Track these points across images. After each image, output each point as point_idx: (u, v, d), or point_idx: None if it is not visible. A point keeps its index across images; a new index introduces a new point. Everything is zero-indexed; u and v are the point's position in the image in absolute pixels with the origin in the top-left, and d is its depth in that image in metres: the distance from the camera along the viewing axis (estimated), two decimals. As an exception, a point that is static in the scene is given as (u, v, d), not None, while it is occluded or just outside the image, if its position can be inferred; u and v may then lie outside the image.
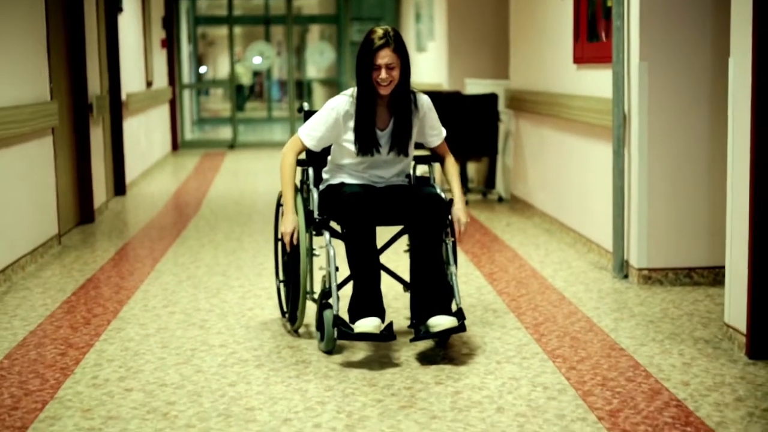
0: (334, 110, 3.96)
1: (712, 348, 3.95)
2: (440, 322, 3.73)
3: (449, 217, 3.93)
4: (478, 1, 10.27)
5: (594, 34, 5.77)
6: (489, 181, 8.85)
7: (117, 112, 8.93)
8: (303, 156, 4.16)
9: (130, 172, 9.53)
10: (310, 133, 3.99)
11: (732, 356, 3.84)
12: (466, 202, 8.16)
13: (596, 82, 5.72)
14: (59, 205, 6.57)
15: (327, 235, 3.95)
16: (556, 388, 3.46)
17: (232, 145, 14.74)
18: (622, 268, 5.26)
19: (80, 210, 7.40)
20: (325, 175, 4.17)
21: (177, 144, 14.04)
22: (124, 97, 9.25)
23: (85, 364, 3.81)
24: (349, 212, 3.80)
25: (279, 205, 4.33)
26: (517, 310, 4.57)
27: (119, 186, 9.06)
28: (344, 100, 3.97)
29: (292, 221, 3.94)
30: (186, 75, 16.47)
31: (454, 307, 3.87)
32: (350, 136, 3.97)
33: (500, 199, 8.34)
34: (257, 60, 18.22)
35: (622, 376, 3.59)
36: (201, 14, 20.13)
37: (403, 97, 3.94)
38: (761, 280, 3.78)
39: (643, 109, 5.01)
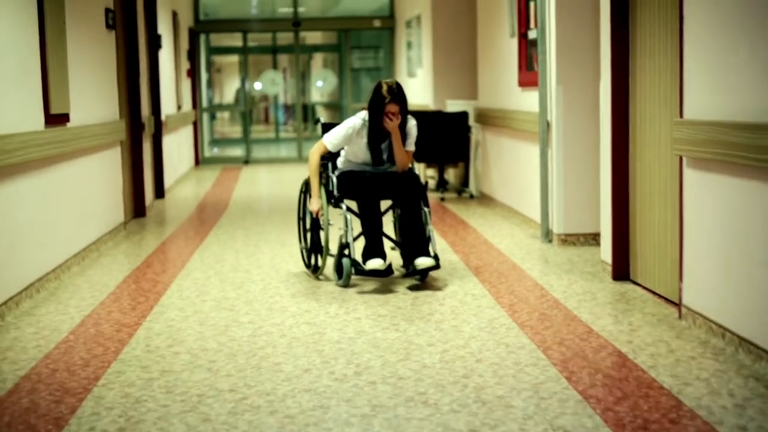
0: (351, 128, 5.85)
1: (591, 276, 5.88)
2: (423, 262, 5.60)
3: (424, 187, 5.82)
4: (457, 35, 12.20)
5: (531, 65, 7.72)
6: (464, 183, 10.79)
7: (158, 130, 10.88)
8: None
9: (167, 180, 11.47)
10: (332, 141, 5.87)
11: (602, 279, 5.76)
12: (442, 199, 10.10)
13: (532, 100, 7.65)
14: (125, 201, 8.51)
15: (344, 206, 5.84)
16: (486, 301, 5.37)
17: (246, 161, 16.69)
18: (548, 235, 7.18)
19: (135, 206, 9.33)
20: (339, 165, 6.06)
21: (198, 160, 16.00)
22: (163, 118, 11.20)
23: (151, 318, 5.72)
24: (363, 190, 5.71)
25: (302, 192, 6.25)
26: (470, 265, 6.47)
27: (159, 191, 10.99)
28: (358, 122, 5.85)
29: (317, 203, 5.84)
30: (204, 100, 18.42)
31: (431, 253, 5.74)
32: (360, 144, 5.83)
33: (471, 196, 10.27)
34: (258, 86, 20.10)
35: (531, 294, 5.51)
36: (214, 45, 22.09)
37: (401, 127, 5.80)
38: (618, 231, 5.69)
39: (560, 119, 6.95)
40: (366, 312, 5.06)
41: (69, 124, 6.55)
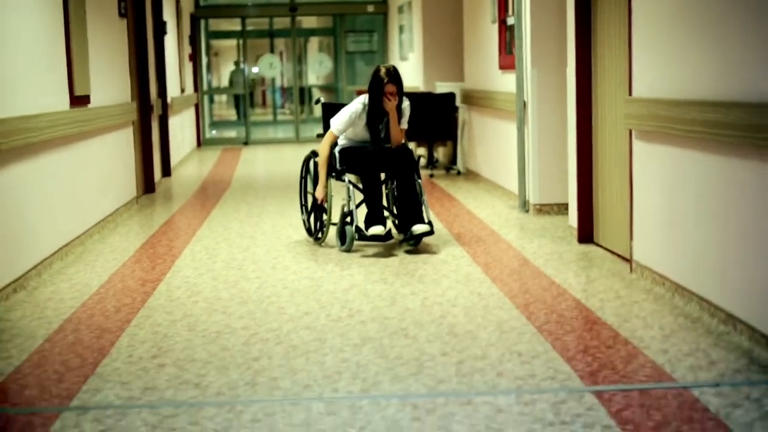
0: (354, 113, 6.50)
1: (560, 239, 6.58)
2: (419, 228, 6.27)
3: (417, 161, 6.48)
4: (445, 21, 12.86)
5: (509, 49, 8.40)
6: (453, 160, 11.48)
7: (164, 112, 11.55)
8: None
9: (173, 160, 12.15)
10: (338, 127, 6.51)
11: (570, 242, 6.46)
12: (431, 175, 10.79)
13: (512, 81, 8.33)
14: (137, 177, 9.21)
15: (347, 177, 6.49)
16: (464, 261, 6.08)
17: (246, 142, 17.37)
18: (525, 205, 7.89)
19: (145, 183, 10.02)
20: (341, 141, 6.71)
21: (200, 141, 16.68)
22: (168, 100, 11.87)
23: (170, 275, 6.43)
24: (364, 164, 6.38)
25: (304, 167, 6.91)
26: (453, 232, 7.17)
27: (166, 169, 11.67)
28: (359, 106, 6.50)
29: (323, 191, 6.50)
30: (205, 83, 19.07)
31: (426, 220, 6.40)
32: (360, 125, 6.48)
33: (459, 173, 10.96)
34: (256, 69, 20.73)
35: (504, 255, 6.21)
36: (212, 30, 22.71)
37: (397, 107, 6.47)
38: (582, 199, 6.39)
39: (535, 99, 7.64)
40: (359, 269, 5.76)
41: (90, 105, 7.23)
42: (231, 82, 23.65)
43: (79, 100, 6.88)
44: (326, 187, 6.52)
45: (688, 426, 3.08)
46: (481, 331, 4.30)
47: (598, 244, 6.33)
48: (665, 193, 4.89)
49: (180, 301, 5.07)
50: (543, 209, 7.71)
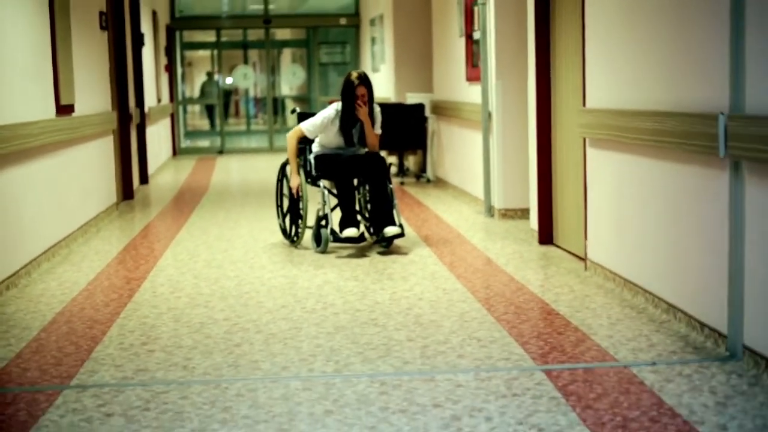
0: (326, 118, 6.88)
1: (522, 240, 6.98)
2: (390, 231, 6.63)
3: (388, 168, 6.86)
4: (416, 34, 13.26)
5: (476, 61, 8.81)
6: (423, 169, 11.88)
7: (142, 121, 11.87)
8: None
9: (150, 168, 12.46)
10: (309, 129, 6.89)
11: (531, 243, 6.87)
12: (402, 182, 11.16)
13: (477, 93, 8.74)
14: (116, 183, 9.53)
15: (323, 183, 6.86)
16: (431, 260, 6.46)
17: (221, 151, 17.69)
18: (490, 210, 8.29)
19: (124, 189, 10.33)
20: (315, 149, 7.07)
21: (176, 150, 16.99)
22: (146, 110, 12.19)
23: (153, 274, 6.77)
24: (338, 170, 6.73)
25: (281, 172, 7.27)
26: (421, 235, 7.55)
27: (143, 177, 11.98)
28: (332, 112, 6.87)
29: (297, 179, 6.88)
30: (180, 93, 19.38)
31: (397, 223, 6.76)
32: (333, 130, 6.85)
33: (428, 181, 11.36)
34: (229, 80, 21.09)
35: (469, 255, 6.60)
36: (186, 41, 23.02)
37: (369, 114, 6.85)
38: (542, 202, 6.80)
39: (499, 110, 8.05)
40: (332, 268, 6.13)
41: (74, 114, 7.56)
42: (203, 92, 23.95)
43: (64, 109, 7.21)
44: (299, 174, 6.88)
45: (624, 397, 3.47)
46: (444, 321, 4.68)
47: (557, 245, 6.73)
48: (615, 196, 5.30)
49: (164, 296, 5.42)
50: (507, 213, 8.11)
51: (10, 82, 5.86)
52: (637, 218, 4.97)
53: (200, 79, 34.67)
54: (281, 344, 4.32)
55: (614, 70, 5.21)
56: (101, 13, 9.05)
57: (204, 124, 27.87)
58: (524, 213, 8.05)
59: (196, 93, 34.63)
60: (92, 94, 8.43)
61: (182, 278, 5.93)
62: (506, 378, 3.73)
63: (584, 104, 5.74)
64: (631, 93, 4.96)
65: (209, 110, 26.21)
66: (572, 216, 6.34)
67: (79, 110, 7.74)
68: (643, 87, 4.79)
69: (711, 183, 4.08)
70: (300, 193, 6.88)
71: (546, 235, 6.83)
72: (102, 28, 9.06)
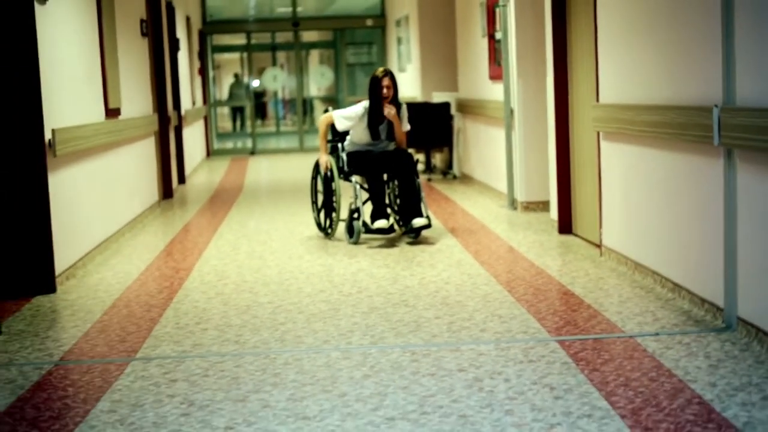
0: (355, 113, 7.33)
1: (543, 230, 7.42)
2: (418, 222, 7.10)
3: (416, 163, 7.31)
4: (441, 34, 13.70)
5: (498, 60, 9.25)
6: (449, 165, 12.32)
7: (179, 123, 12.39)
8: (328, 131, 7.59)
9: (186, 168, 12.98)
10: (340, 119, 7.37)
11: (551, 233, 7.30)
12: (429, 179, 11.60)
13: (500, 91, 9.17)
14: (158, 183, 10.04)
15: (354, 178, 7.33)
16: (457, 249, 6.91)
17: (252, 152, 18.21)
18: (513, 203, 8.72)
19: (164, 189, 10.85)
20: (347, 146, 7.54)
21: (209, 151, 17.53)
22: (182, 112, 12.71)
23: (199, 264, 7.26)
24: (370, 166, 7.20)
25: (314, 169, 7.74)
26: (447, 227, 8.00)
27: (181, 177, 12.51)
28: (360, 110, 7.35)
29: (325, 158, 7.37)
30: (212, 96, 19.93)
31: (424, 214, 7.22)
32: (362, 126, 7.33)
33: (455, 177, 11.80)
34: (256, 83, 21.59)
35: (492, 244, 7.04)
36: (215, 44, 23.56)
37: (395, 105, 7.33)
38: (562, 194, 7.22)
39: (520, 107, 8.48)
40: (365, 257, 6.59)
41: (120, 117, 8.07)
42: (231, 94, 24.51)
43: (112, 113, 7.72)
44: (327, 152, 7.45)
45: (628, 361, 3.91)
46: (468, 301, 5.13)
47: (575, 234, 7.16)
48: (624, 185, 5.72)
49: (212, 283, 5.90)
50: (529, 206, 8.54)
51: (67, 88, 6.37)
52: (644, 205, 5.39)
53: (228, 81, 35.36)
54: (321, 322, 4.79)
55: (622, 68, 5.64)
56: (142, 21, 9.56)
57: (230, 126, 28.41)
58: (545, 205, 8.47)
59: (224, 95, 35.33)
60: (136, 98, 8.94)
61: (226, 268, 6.41)
62: (524, 347, 4.18)
63: (597, 100, 6.16)
64: (637, 89, 5.39)
65: (234, 112, 26.78)
66: (589, 206, 6.76)
67: (124, 113, 8.24)
68: (647, 83, 5.22)
69: (707, 170, 4.50)
70: (330, 172, 7.34)
71: (565, 225, 7.26)
72: (143, 34, 9.57)
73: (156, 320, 4.99)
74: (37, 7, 5.72)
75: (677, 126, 4.71)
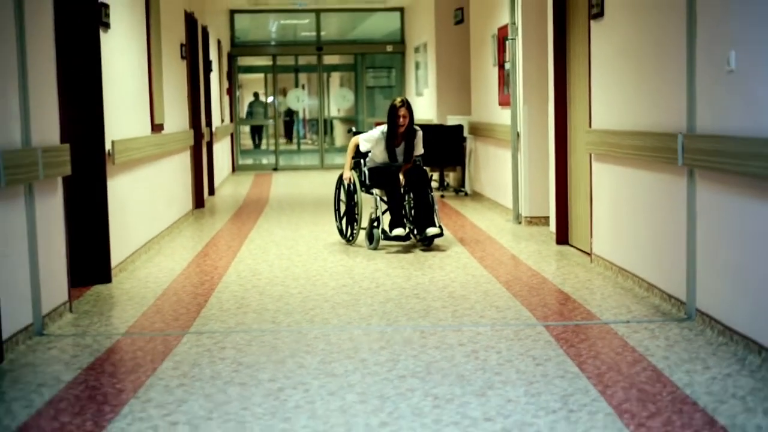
0: (374, 137, 8.19)
1: (542, 241, 8.23)
2: (431, 231, 7.91)
3: (430, 179, 8.16)
4: (456, 62, 14.56)
5: (506, 88, 10.08)
6: (462, 184, 13.15)
7: (211, 139, 13.27)
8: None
9: (216, 181, 13.85)
10: (364, 143, 8.22)
11: (549, 244, 8.10)
12: (442, 196, 12.40)
13: (508, 116, 10.00)
14: (191, 193, 10.91)
15: (375, 191, 8.18)
16: (464, 256, 7.72)
17: (275, 168, 19.10)
18: (518, 217, 9.54)
19: (197, 199, 11.71)
20: (369, 163, 8.38)
21: (234, 167, 18.42)
22: (213, 129, 13.60)
23: (235, 263, 8.10)
24: (389, 180, 8.04)
25: (338, 182, 8.59)
26: (457, 237, 8.82)
27: (211, 189, 13.37)
28: (378, 134, 8.21)
29: (348, 173, 8.22)
30: (238, 114, 20.84)
31: (437, 224, 8.04)
32: (380, 148, 8.19)
33: (466, 194, 12.63)
34: (270, 99, 22.54)
35: (496, 252, 7.86)
36: (240, 65, 24.51)
37: (410, 131, 8.17)
38: (559, 209, 8.04)
39: (526, 130, 9.30)
40: (383, 261, 7.41)
41: (163, 132, 8.94)
42: (250, 113, 25.45)
43: (157, 127, 8.59)
44: (351, 170, 8.32)
45: (600, 341, 4.71)
46: (471, 295, 5.94)
47: (571, 245, 7.96)
48: (612, 200, 6.53)
49: (247, 278, 6.73)
50: (533, 221, 9.35)
51: (122, 105, 7.24)
52: (627, 217, 6.20)
53: (249, 99, 36.35)
54: (344, 309, 5.61)
55: (610, 98, 6.46)
56: (182, 45, 10.45)
57: (249, 144, 29.36)
58: (546, 220, 9.27)
59: (243, 114, 36.32)
60: (175, 115, 9.82)
61: (259, 266, 7.24)
62: (515, 329, 4.99)
63: (590, 125, 6.99)
64: (622, 117, 6.21)
65: (253, 130, 27.83)
66: (582, 219, 7.57)
67: (167, 128, 9.11)
68: (631, 112, 6.04)
69: (674, 186, 5.31)
70: (352, 185, 8.19)
71: (562, 236, 8.07)
72: (182, 57, 10.46)
73: (202, 305, 5.82)
74: (101, 33, 6.60)
75: (652, 149, 5.53)
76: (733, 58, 4.51)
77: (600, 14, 6.68)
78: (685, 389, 3.91)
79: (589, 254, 7.27)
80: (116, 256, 6.88)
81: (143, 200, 8.00)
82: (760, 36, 4.26)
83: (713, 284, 4.86)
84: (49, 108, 5.38)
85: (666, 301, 5.51)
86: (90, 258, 6.58)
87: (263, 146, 27.34)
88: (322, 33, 19.41)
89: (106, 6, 6.75)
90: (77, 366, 4.47)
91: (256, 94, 25.97)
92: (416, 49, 17.16)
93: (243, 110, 33.54)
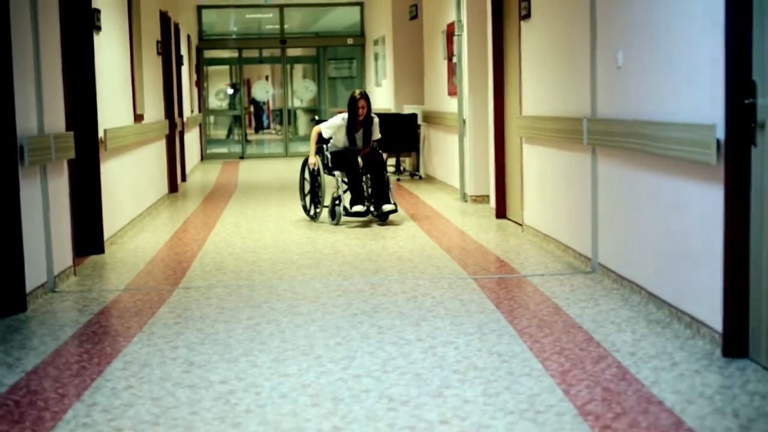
0: (336, 124, 9.20)
1: (484, 216, 9.29)
2: (387, 207, 8.95)
3: (385, 161, 9.18)
4: (412, 54, 15.58)
5: (455, 79, 11.13)
6: (416, 168, 14.19)
7: (182, 129, 14.21)
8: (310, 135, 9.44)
9: (187, 168, 14.79)
10: (326, 130, 9.23)
11: (490, 218, 9.16)
12: (398, 179, 13.43)
13: (455, 104, 11.05)
14: (167, 179, 11.87)
15: (336, 173, 9.18)
16: (414, 229, 8.77)
17: (242, 156, 20.04)
18: (464, 196, 10.61)
19: (171, 184, 12.66)
20: (331, 147, 9.39)
21: (203, 155, 19.35)
22: (185, 119, 14.53)
23: (211, 236, 9.10)
24: (349, 162, 9.05)
25: (303, 164, 9.59)
26: (409, 214, 9.86)
27: (182, 175, 14.31)
28: (339, 120, 9.22)
29: (314, 159, 9.22)
30: (206, 105, 21.75)
31: (392, 201, 9.06)
32: (341, 134, 9.20)
33: (420, 177, 13.67)
34: (230, 91, 23.50)
35: (442, 225, 8.91)
36: (206, 57, 25.38)
37: (368, 119, 9.19)
38: (498, 186, 9.10)
39: (471, 118, 10.36)
40: (342, 233, 8.44)
41: (144, 122, 9.90)
42: (230, 104, 26.44)
43: (138, 118, 9.55)
44: (315, 155, 9.29)
45: (517, 289, 5.78)
46: (416, 258, 6.99)
47: (508, 218, 9.03)
48: (538, 176, 7.60)
49: (223, 247, 7.74)
50: (477, 199, 10.41)
51: (111, 97, 8.20)
52: (549, 189, 7.27)
53: (214, 91, 37.18)
54: (308, 269, 6.64)
55: (536, 88, 7.53)
56: (158, 42, 11.39)
57: (218, 134, 30.24)
58: (489, 198, 10.33)
59: (212, 105, 37.18)
60: (153, 106, 10.77)
61: (233, 239, 8.24)
62: (449, 281, 6.05)
63: (521, 112, 8.05)
64: (544, 104, 7.28)
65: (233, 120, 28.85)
66: (517, 195, 8.64)
67: (146, 119, 10.07)
68: (550, 100, 7.11)
69: (582, 161, 6.39)
70: (317, 169, 9.20)
71: (501, 211, 9.13)
72: (158, 53, 11.41)
73: (186, 268, 6.82)
74: (94, 35, 7.56)
75: (566, 131, 6.60)
76: (620, 56, 5.58)
77: (528, 15, 7.73)
78: (576, 319, 4.97)
79: (521, 225, 8.34)
80: (107, 231, 7.85)
81: (129, 183, 8.96)
82: (638, 38, 5.33)
83: (610, 242, 5.94)
84: (57, 100, 6.35)
85: (578, 258, 6.59)
86: (86, 231, 7.55)
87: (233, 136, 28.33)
88: (286, 26, 20.35)
89: (98, 11, 7.71)
90: (89, 312, 5.46)
91: (234, 86, 26.92)
92: (375, 42, 18.16)
93: (209, 102, 34.54)
